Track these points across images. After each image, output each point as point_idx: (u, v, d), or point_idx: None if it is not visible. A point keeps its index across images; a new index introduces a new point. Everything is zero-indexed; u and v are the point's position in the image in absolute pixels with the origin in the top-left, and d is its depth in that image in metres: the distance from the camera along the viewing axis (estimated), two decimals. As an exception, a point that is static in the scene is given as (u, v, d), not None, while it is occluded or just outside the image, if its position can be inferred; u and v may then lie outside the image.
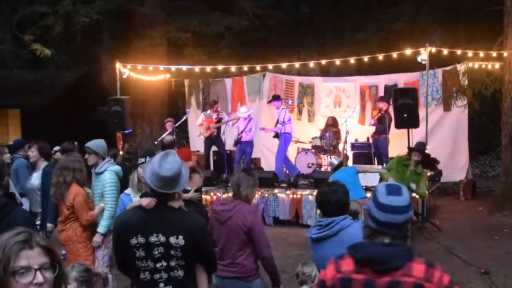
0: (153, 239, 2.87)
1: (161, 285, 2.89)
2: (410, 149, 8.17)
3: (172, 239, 2.86)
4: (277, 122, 10.43)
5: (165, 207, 2.93)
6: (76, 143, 6.72)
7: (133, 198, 4.91)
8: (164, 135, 10.72)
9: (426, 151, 8.60)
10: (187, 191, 6.03)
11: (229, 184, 8.52)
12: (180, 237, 2.86)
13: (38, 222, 5.92)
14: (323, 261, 3.32)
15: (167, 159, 2.91)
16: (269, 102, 11.15)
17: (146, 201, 2.93)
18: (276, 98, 10.84)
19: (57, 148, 8.00)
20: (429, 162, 8.29)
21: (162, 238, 2.87)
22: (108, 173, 5.13)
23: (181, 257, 2.88)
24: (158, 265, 2.88)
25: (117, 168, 5.35)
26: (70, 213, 4.87)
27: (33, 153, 5.78)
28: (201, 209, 6.18)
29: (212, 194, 9.38)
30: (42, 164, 5.75)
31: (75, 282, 3.26)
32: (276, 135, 10.44)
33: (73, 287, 3.28)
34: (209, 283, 3.33)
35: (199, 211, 6.05)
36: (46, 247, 1.69)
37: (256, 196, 9.21)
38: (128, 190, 5.16)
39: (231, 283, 3.74)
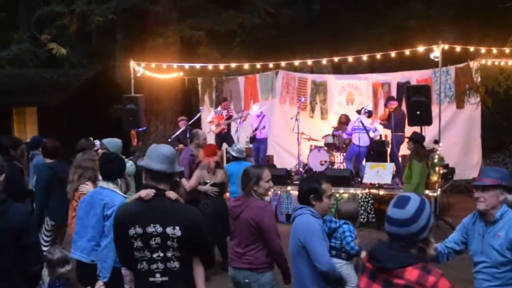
0: (150, 229, 2.93)
1: (158, 275, 2.96)
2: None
3: (169, 230, 2.93)
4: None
5: (163, 198, 3.01)
6: (92, 139, 6.87)
7: None
8: (177, 133, 10.93)
9: (433, 147, 8.57)
10: (205, 183, 6.32)
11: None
12: (177, 227, 2.93)
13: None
14: None
15: (161, 145, 3.19)
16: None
17: (145, 192, 3.01)
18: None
19: None
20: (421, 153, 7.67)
21: (159, 229, 2.93)
22: None
23: (177, 248, 2.95)
24: (155, 255, 2.95)
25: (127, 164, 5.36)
26: (77, 205, 5.03)
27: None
28: (220, 202, 6.36)
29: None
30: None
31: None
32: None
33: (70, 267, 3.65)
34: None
35: (217, 204, 6.29)
36: None
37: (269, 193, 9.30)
38: None
39: (243, 273, 3.91)
